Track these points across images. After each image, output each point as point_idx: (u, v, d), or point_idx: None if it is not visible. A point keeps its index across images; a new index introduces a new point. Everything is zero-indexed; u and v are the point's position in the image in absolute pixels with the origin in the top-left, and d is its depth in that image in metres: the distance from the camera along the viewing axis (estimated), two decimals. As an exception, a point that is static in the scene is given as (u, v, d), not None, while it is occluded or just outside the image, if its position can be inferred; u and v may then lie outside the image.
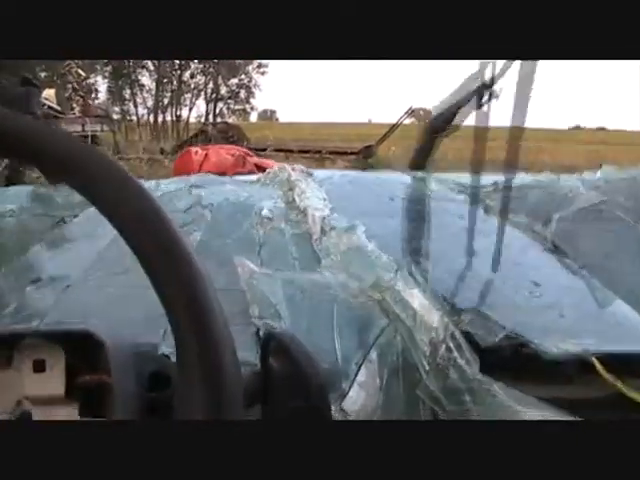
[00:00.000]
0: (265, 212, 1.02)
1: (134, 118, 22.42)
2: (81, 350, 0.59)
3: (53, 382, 0.58)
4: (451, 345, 0.74)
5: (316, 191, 1.12)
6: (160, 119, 23.01)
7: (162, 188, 1.28)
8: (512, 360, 1.03)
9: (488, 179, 1.41)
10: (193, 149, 7.45)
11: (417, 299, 0.77)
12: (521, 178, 1.43)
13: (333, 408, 0.62)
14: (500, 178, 1.40)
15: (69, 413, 0.59)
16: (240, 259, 0.80)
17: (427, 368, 0.72)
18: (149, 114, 23.14)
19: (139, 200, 0.39)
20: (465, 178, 1.46)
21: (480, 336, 0.87)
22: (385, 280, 0.77)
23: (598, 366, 1.09)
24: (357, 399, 0.65)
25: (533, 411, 0.74)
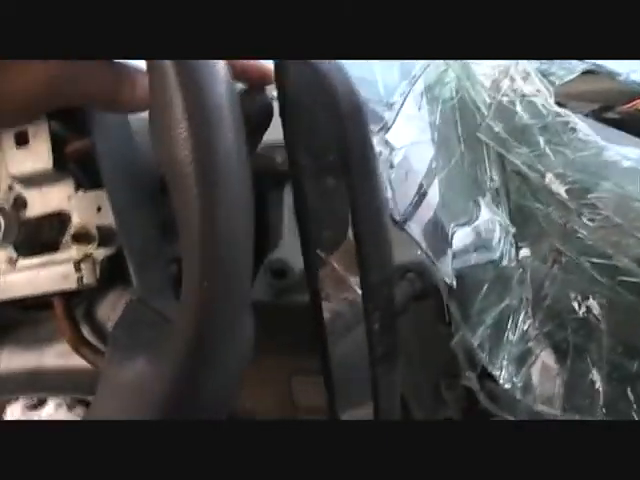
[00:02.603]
0: None
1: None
2: (65, 115, 0.50)
3: (39, 155, 0.51)
4: (516, 76, 0.60)
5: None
6: None
7: None
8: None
9: None
10: None
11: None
12: None
13: (376, 140, 0.50)
14: None
15: (62, 190, 0.52)
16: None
17: (489, 102, 0.58)
18: None
19: None
20: None
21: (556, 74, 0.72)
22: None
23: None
24: (402, 130, 0.53)
25: (620, 147, 0.60)
